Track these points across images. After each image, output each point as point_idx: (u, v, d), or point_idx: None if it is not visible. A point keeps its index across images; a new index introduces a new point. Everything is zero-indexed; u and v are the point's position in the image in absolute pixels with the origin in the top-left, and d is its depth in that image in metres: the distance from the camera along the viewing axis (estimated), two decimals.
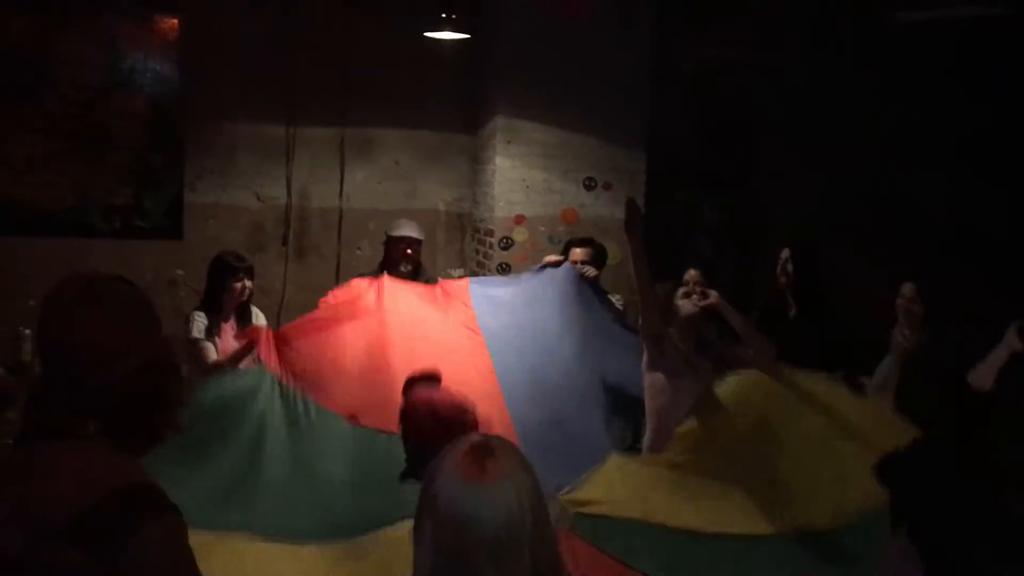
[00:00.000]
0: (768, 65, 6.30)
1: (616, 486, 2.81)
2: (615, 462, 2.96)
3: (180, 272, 5.56)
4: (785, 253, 4.39)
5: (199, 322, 4.18)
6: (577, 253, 4.69)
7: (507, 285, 4.49)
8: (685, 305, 3.74)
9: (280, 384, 3.51)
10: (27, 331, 4.84)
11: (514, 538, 1.31)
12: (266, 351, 3.62)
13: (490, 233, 5.84)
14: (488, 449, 1.38)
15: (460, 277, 6.18)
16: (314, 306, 5.77)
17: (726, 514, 2.68)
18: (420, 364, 3.15)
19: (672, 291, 3.83)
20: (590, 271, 4.53)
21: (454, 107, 6.10)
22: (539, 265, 4.61)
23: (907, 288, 4.09)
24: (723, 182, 6.76)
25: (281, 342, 3.69)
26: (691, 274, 4.15)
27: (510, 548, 1.31)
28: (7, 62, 5.13)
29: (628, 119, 5.88)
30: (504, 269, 5.77)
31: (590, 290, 4.40)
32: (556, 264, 4.49)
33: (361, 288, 4.13)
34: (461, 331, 4.00)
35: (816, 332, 4.13)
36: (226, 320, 4.27)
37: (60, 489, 1.42)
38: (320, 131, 5.83)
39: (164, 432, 1.59)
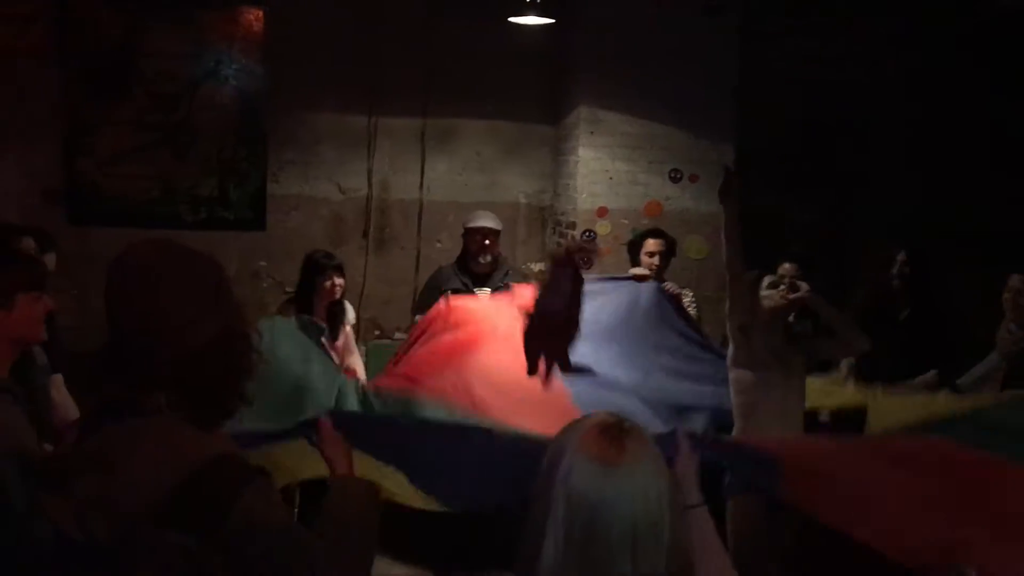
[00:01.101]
0: (865, 57, 6.01)
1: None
2: None
3: (263, 263, 5.60)
4: (902, 255, 4.39)
5: None
6: (652, 244, 4.55)
7: (589, 298, 4.29)
8: (772, 296, 3.53)
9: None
10: None
11: (651, 526, 1.22)
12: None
13: (572, 226, 5.71)
14: (622, 430, 1.28)
15: (539, 272, 6.10)
16: (394, 299, 5.83)
17: None
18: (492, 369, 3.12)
19: (757, 281, 3.64)
20: (674, 288, 4.47)
21: (536, 97, 6.00)
22: (625, 275, 4.49)
23: (1015, 280, 3.88)
24: (815, 178, 6.49)
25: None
26: (785, 267, 4.04)
27: (647, 536, 1.22)
28: (96, 56, 5.22)
29: (715, 110, 5.69)
30: (586, 263, 5.63)
31: (672, 309, 4.27)
32: (641, 279, 4.37)
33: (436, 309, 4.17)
34: None
35: (929, 334, 4.15)
36: (318, 314, 4.27)
37: (142, 471, 1.37)
38: (401, 122, 5.79)
39: (235, 405, 1.52)
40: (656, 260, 4.51)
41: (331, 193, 5.77)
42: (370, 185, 5.80)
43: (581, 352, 3.66)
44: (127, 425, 1.44)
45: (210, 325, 1.46)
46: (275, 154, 5.63)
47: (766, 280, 3.59)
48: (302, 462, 2.11)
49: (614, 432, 1.27)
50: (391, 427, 2.26)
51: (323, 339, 4.13)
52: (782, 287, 3.56)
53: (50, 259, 3.45)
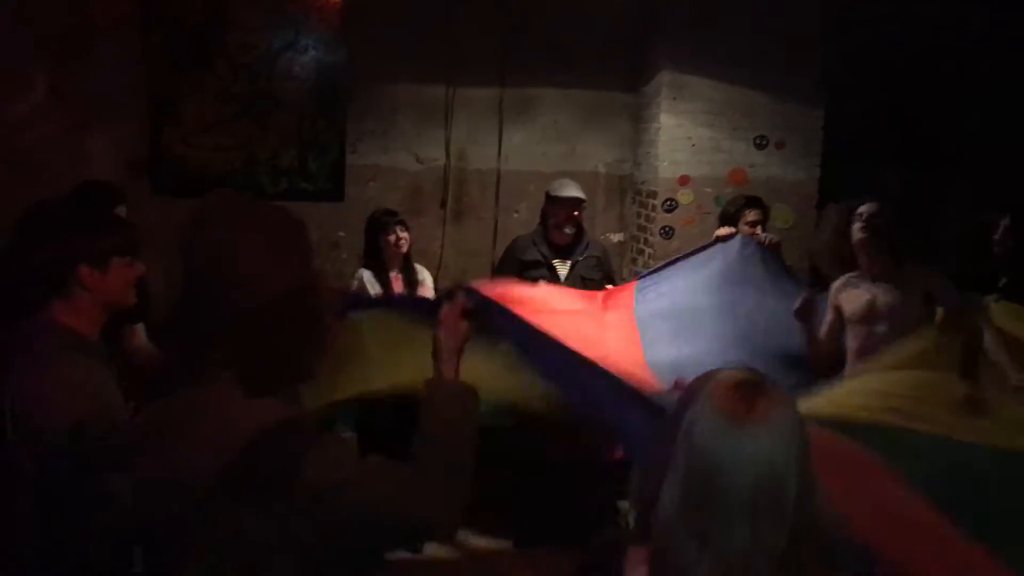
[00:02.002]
0: (953, 17, 5.70)
1: (846, 396, 2.58)
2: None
3: (341, 234, 5.61)
4: (1006, 220, 4.26)
5: (362, 279, 4.27)
6: (753, 213, 4.39)
7: (671, 276, 4.16)
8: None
9: None
10: None
11: (774, 492, 1.14)
12: None
13: (653, 195, 5.58)
14: (758, 387, 1.20)
15: (619, 242, 6.00)
16: (471, 270, 5.78)
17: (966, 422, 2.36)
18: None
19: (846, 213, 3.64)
20: (772, 239, 4.22)
21: (616, 64, 5.86)
22: (710, 241, 4.33)
23: None
24: (906, 144, 6.22)
25: None
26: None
27: (768, 503, 1.14)
28: (180, 28, 5.27)
29: (803, 73, 5.48)
30: (667, 232, 5.51)
31: (763, 263, 4.04)
32: (727, 238, 4.19)
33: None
34: (618, 329, 3.78)
35: None
36: (391, 274, 4.32)
37: (202, 443, 1.34)
38: (479, 91, 5.72)
39: (296, 372, 1.48)
40: (758, 230, 4.36)
41: (408, 163, 5.75)
42: (448, 155, 5.76)
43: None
44: (188, 395, 1.41)
45: (279, 281, 1.42)
46: (353, 124, 5.62)
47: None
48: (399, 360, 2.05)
49: (748, 388, 1.19)
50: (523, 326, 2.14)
51: (390, 276, 4.20)
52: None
53: (120, 210, 3.49)
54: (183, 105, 5.32)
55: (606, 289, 4.28)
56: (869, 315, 3.53)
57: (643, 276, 4.34)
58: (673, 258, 4.38)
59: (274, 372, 1.44)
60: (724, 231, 4.30)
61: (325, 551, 1.36)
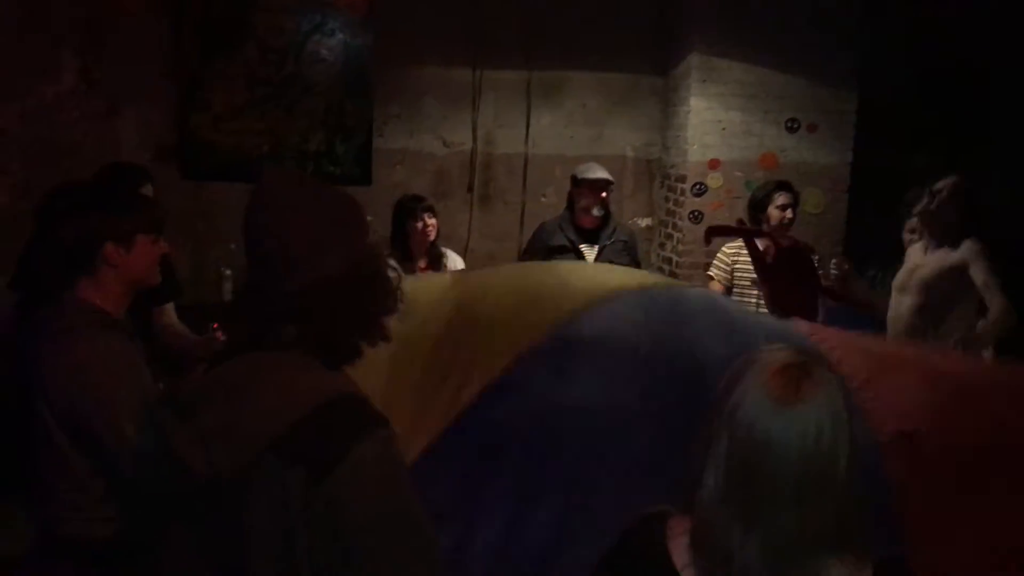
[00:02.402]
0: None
1: None
2: None
3: (369, 218, 5.58)
4: None
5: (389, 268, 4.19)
6: (783, 197, 4.32)
7: None
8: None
9: None
10: (228, 271, 5.03)
11: (821, 475, 1.13)
12: None
13: (682, 179, 5.53)
14: (805, 369, 1.18)
15: (647, 227, 5.95)
16: (498, 254, 5.77)
17: None
18: None
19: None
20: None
21: (644, 47, 5.80)
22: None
23: None
24: (943, 128, 6.10)
25: None
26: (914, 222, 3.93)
27: (815, 485, 1.13)
28: (209, 13, 5.27)
29: (836, 55, 5.39)
30: (696, 217, 5.45)
31: None
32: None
33: None
34: None
35: None
36: (417, 263, 4.27)
37: (266, 403, 1.34)
38: (507, 74, 5.69)
39: (363, 344, 1.47)
40: (788, 213, 4.29)
41: (435, 147, 5.72)
42: (475, 139, 5.73)
43: None
44: (255, 357, 1.42)
45: (341, 257, 1.42)
46: (380, 108, 5.61)
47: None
48: None
49: (795, 371, 1.18)
50: None
51: (417, 266, 4.14)
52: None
53: (147, 190, 3.50)
54: (211, 90, 5.33)
55: None
56: (903, 284, 3.69)
57: None
58: None
59: (340, 344, 1.44)
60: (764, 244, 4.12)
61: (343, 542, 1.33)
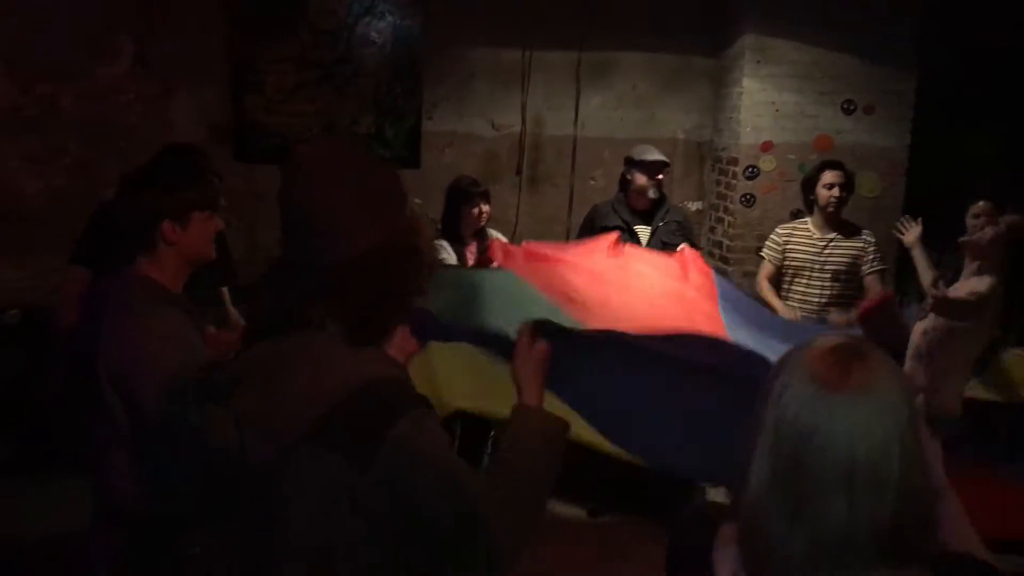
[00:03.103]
0: None
1: None
2: None
3: (418, 201, 5.61)
4: None
5: (440, 250, 4.20)
6: (830, 175, 4.23)
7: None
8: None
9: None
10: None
11: (874, 467, 1.03)
12: (501, 258, 3.40)
13: (733, 162, 5.44)
14: (857, 353, 1.08)
15: (698, 211, 5.87)
16: (546, 237, 5.74)
17: None
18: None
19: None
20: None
21: (696, 27, 5.71)
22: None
23: None
24: (1005, 109, 5.92)
25: (514, 255, 3.44)
26: (980, 206, 3.82)
27: (867, 478, 1.03)
28: None
29: (895, 34, 5.26)
30: (748, 200, 5.37)
31: None
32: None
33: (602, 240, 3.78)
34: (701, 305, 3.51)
35: None
36: (467, 246, 4.25)
37: (301, 387, 1.33)
38: (556, 56, 5.64)
39: (396, 322, 1.45)
40: (835, 192, 4.21)
41: (484, 129, 5.71)
42: (523, 121, 5.70)
43: None
44: (290, 339, 1.39)
45: (378, 232, 1.38)
46: (429, 90, 5.60)
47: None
48: (480, 387, 2.01)
49: (846, 354, 1.08)
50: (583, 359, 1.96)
51: (465, 250, 4.12)
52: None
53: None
54: (264, 72, 5.36)
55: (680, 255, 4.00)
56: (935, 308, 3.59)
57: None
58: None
59: (374, 321, 1.41)
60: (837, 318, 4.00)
61: (394, 527, 1.33)
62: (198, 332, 2.18)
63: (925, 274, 3.98)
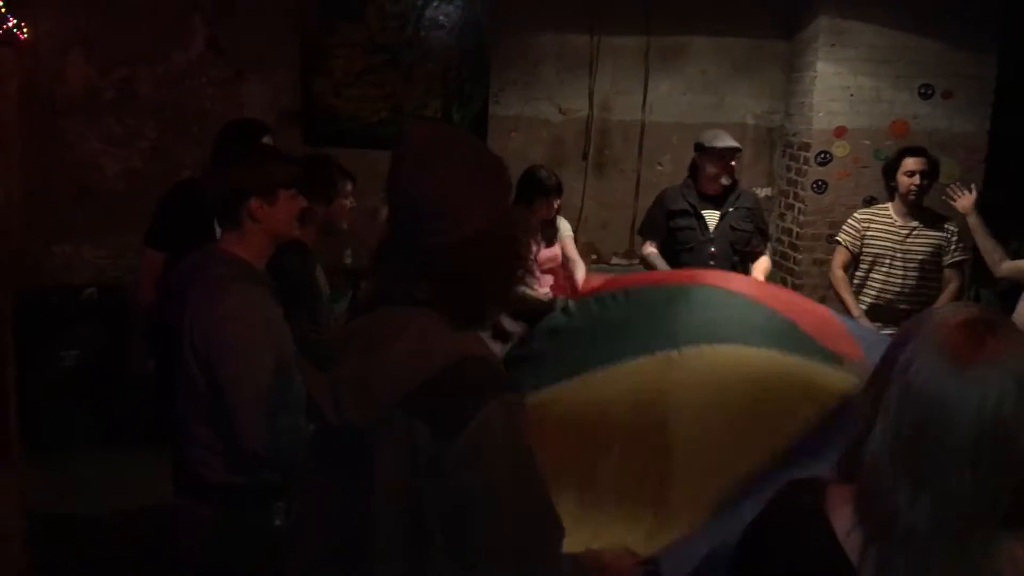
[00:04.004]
0: None
1: None
2: None
3: None
4: None
5: None
6: (912, 162, 4.12)
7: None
8: None
9: None
10: None
11: (1002, 441, 1.03)
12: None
13: (805, 147, 5.34)
14: (990, 326, 1.08)
15: (767, 197, 5.78)
16: (612, 223, 5.71)
17: None
18: None
19: None
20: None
21: (769, 10, 5.61)
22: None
23: None
24: None
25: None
26: None
27: (995, 452, 1.03)
28: None
29: (975, 17, 5.09)
30: (820, 187, 5.27)
31: None
32: None
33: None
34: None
35: None
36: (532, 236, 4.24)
37: (399, 359, 1.34)
38: (624, 40, 5.58)
39: (494, 307, 1.47)
40: (916, 180, 4.09)
41: (551, 114, 5.68)
42: (591, 106, 5.66)
43: None
44: (391, 313, 1.42)
45: (481, 218, 1.40)
46: (497, 74, 5.59)
47: None
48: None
49: (978, 326, 1.08)
50: None
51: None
52: None
53: (267, 140, 3.52)
54: (332, 56, 5.41)
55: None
56: None
57: None
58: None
59: (473, 305, 1.43)
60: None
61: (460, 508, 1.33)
62: (279, 309, 2.21)
63: (985, 241, 3.90)
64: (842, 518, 1.16)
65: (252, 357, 2.05)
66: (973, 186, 4.09)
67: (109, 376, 4.80)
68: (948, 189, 4.14)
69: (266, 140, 3.35)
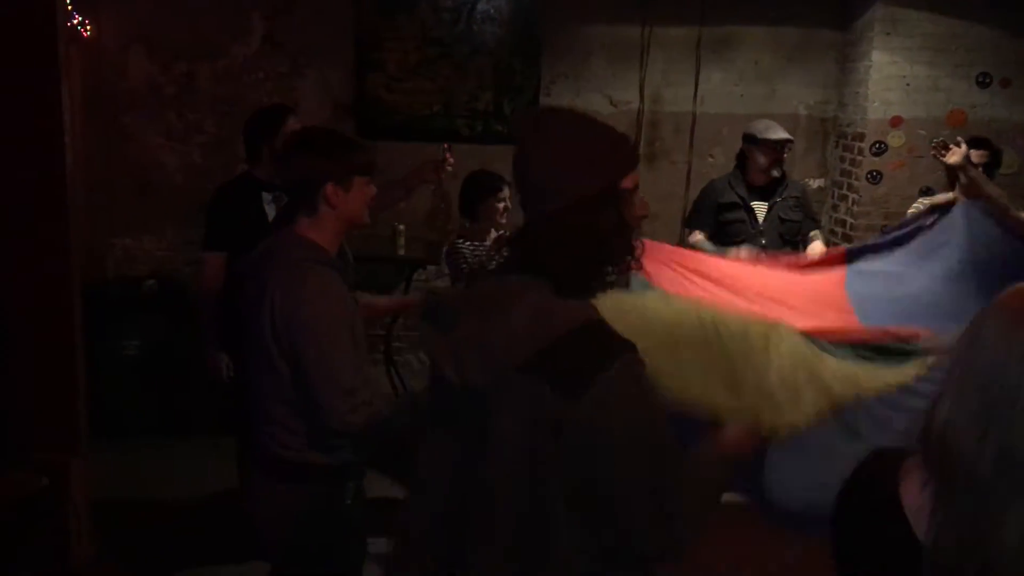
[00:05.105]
0: None
1: None
2: None
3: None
4: None
5: None
6: (974, 155, 4.04)
7: (886, 254, 3.46)
8: None
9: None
10: (401, 227, 5.18)
11: None
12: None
13: (859, 138, 5.29)
14: None
15: (820, 188, 5.73)
16: (662, 215, 5.70)
17: None
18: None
19: None
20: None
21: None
22: (923, 213, 3.62)
23: None
24: None
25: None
26: None
27: None
28: None
29: None
30: (874, 177, 5.22)
31: (993, 235, 3.24)
32: (944, 206, 3.51)
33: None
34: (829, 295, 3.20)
35: None
36: None
37: (519, 322, 1.39)
38: (676, 31, 5.57)
39: (598, 278, 1.49)
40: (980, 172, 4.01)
41: (602, 106, 5.69)
42: (642, 98, 5.66)
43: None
44: (508, 280, 1.47)
45: (581, 189, 1.43)
46: (548, 67, 5.61)
47: None
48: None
49: None
50: None
51: None
52: None
53: (293, 121, 3.53)
54: (386, 50, 5.47)
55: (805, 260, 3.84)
56: None
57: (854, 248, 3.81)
58: (887, 234, 3.70)
59: (577, 276, 1.46)
60: (941, 198, 3.84)
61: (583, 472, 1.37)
62: (351, 294, 2.27)
63: (993, 190, 3.58)
64: (912, 489, 1.21)
65: (334, 338, 2.11)
66: (960, 139, 3.76)
67: (170, 365, 4.92)
68: (932, 147, 3.81)
69: (291, 122, 3.37)
